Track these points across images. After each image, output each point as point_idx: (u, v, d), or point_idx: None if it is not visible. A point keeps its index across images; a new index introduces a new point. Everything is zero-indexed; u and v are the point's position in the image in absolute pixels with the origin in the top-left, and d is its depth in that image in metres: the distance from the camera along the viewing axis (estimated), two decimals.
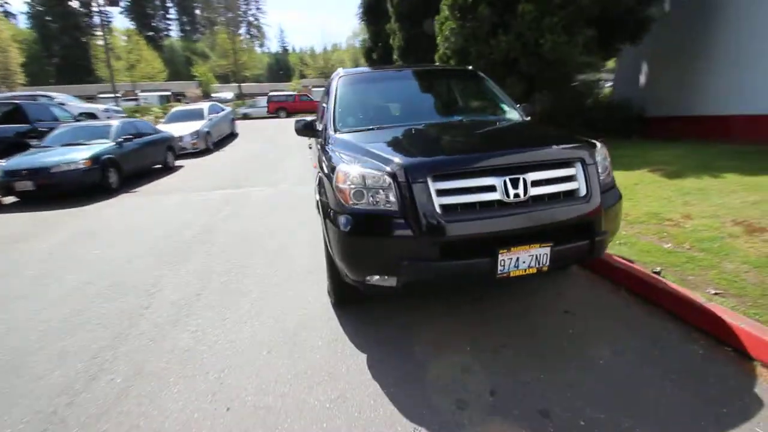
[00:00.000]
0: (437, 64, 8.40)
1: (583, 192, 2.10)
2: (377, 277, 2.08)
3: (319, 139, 3.22)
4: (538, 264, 2.00)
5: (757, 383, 1.82)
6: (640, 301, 2.55)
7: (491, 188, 1.99)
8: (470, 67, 3.92)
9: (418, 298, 2.75)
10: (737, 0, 6.49)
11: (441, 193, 1.97)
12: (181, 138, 11.21)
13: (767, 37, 5.99)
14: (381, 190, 2.04)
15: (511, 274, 1.99)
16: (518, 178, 2.00)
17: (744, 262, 2.71)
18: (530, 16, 6.54)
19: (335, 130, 2.93)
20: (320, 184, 2.64)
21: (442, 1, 7.72)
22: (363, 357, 2.18)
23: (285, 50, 77.50)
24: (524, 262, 1.98)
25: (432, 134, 2.77)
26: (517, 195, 1.99)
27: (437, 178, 1.98)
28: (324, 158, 2.69)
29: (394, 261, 2.00)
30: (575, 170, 2.12)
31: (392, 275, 2.04)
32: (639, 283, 2.61)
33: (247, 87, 45.71)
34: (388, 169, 2.04)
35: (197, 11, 66.57)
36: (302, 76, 48.48)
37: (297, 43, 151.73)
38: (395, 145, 2.46)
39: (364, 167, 2.12)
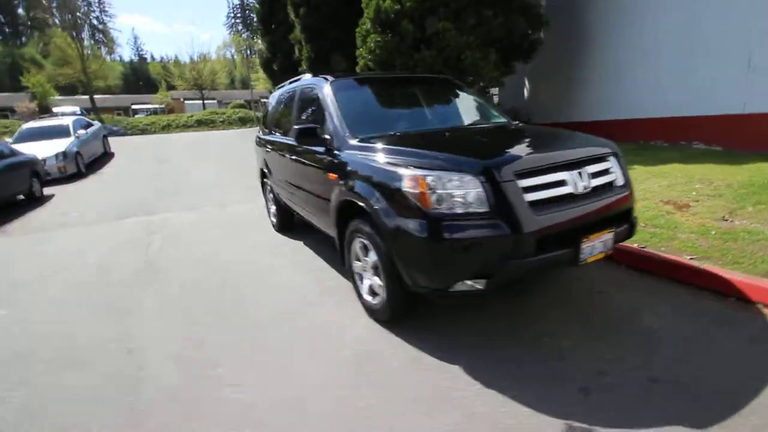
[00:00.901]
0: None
1: (621, 182, 2.40)
2: (469, 282, 2.03)
3: (318, 149, 2.98)
4: (605, 248, 2.21)
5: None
6: (644, 274, 2.99)
7: (563, 183, 2.14)
8: (447, 77, 4.10)
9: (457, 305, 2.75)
10: (603, 28, 8.07)
11: (526, 190, 2.04)
12: (44, 161, 9.04)
13: (627, 61, 7.60)
14: (464, 192, 2.00)
15: (588, 261, 2.15)
16: (582, 172, 2.19)
17: (691, 232, 3.40)
18: (450, 34, 7.12)
19: (353, 138, 2.76)
20: (346, 192, 2.54)
21: (365, 14, 7.86)
22: (456, 368, 2.09)
23: (142, 59, 68.96)
24: (597, 249, 2.17)
25: (474, 137, 2.83)
26: (585, 187, 2.17)
27: (521, 176, 2.04)
28: (353, 167, 2.54)
29: (489, 263, 1.98)
30: (612, 163, 2.41)
31: (483, 278, 2.01)
32: (638, 259, 3.07)
33: (101, 99, 39.25)
34: (471, 169, 2.02)
35: (20, 10, 54.84)
36: (170, 87, 43.62)
37: (156, 51, 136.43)
38: (444, 147, 2.43)
39: (437, 170, 2.05)
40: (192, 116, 32.17)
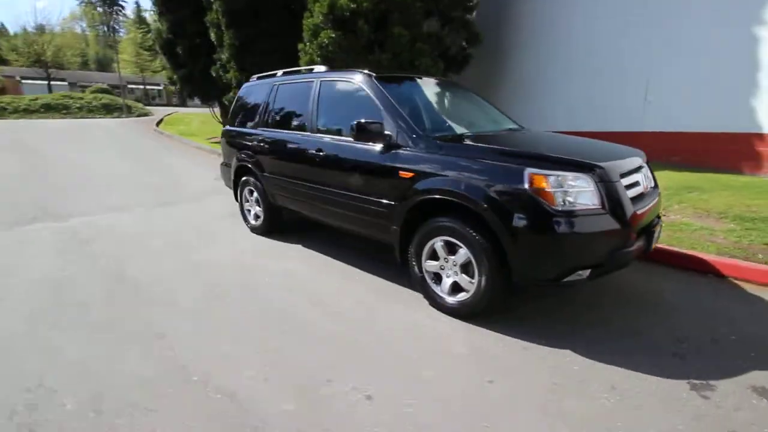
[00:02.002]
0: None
1: (653, 183, 2.90)
2: (581, 272, 2.24)
3: (372, 147, 2.87)
4: (658, 238, 2.66)
5: (744, 287, 3.05)
6: (651, 262, 3.57)
7: (638, 183, 2.51)
8: (453, 80, 4.27)
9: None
10: (522, 50, 9.19)
11: (626, 188, 2.34)
12: None
13: (546, 80, 8.81)
14: (582, 190, 2.20)
15: (652, 248, 2.56)
16: (644, 174, 2.60)
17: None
18: (404, 39, 7.34)
19: (427, 136, 2.74)
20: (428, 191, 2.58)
21: (315, 7, 7.54)
22: (568, 352, 2.27)
23: None
24: (656, 239, 2.60)
25: (549, 141, 3.06)
26: (647, 186, 2.58)
27: (622, 176, 2.34)
28: (444, 165, 2.56)
29: (603, 254, 2.22)
30: (646, 167, 2.90)
31: (596, 268, 2.25)
32: None
33: None
34: (588, 170, 2.23)
35: None
36: (2, 62, 34.83)
37: None
38: (537, 149, 2.62)
39: (557, 170, 2.22)
40: (36, 99, 26.04)
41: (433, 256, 2.72)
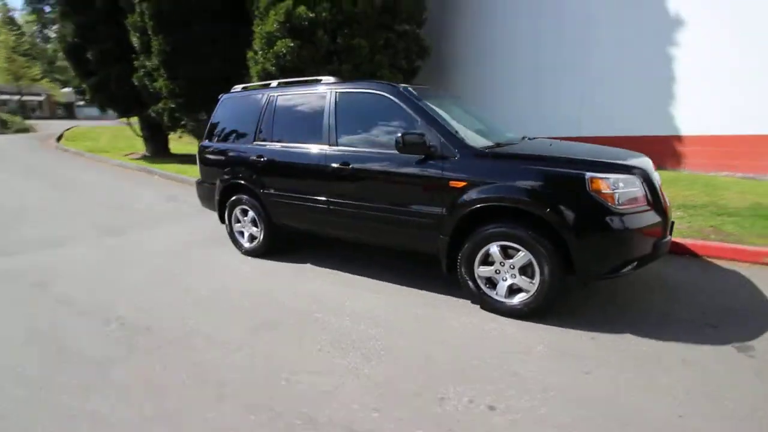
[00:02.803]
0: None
1: None
2: (634, 263, 2.49)
3: (411, 158, 2.88)
4: None
5: (719, 264, 3.61)
6: None
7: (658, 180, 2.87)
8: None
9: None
10: (471, 63, 9.72)
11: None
12: None
13: (494, 90, 9.41)
14: (633, 190, 2.47)
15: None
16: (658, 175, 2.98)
17: None
18: (364, 51, 7.38)
19: (473, 146, 2.85)
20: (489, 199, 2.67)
21: (271, 14, 7.19)
22: (635, 338, 2.50)
23: None
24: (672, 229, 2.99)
25: (574, 148, 3.26)
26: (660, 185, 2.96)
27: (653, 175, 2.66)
28: (500, 173, 2.67)
29: (649, 245, 2.50)
30: None
31: (646, 258, 2.52)
32: None
33: None
34: (635, 172, 2.50)
35: None
36: None
37: None
38: (575, 154, 2.85)
39: (612, 173, 2.45)
40: None
41: (485, 261, 2.80)
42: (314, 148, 3.48)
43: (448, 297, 3.11)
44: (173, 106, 9.75)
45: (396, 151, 3.02)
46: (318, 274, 3.67)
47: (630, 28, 6.68)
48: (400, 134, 2.81)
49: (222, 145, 4.27)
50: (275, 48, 7.21)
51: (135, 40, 9.81)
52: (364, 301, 3.11)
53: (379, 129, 3.20)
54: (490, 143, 3.01)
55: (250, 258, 4.14)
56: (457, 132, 2.90)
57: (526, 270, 2.66)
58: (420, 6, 8.09)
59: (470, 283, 2.86)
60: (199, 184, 4.58)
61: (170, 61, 9.22)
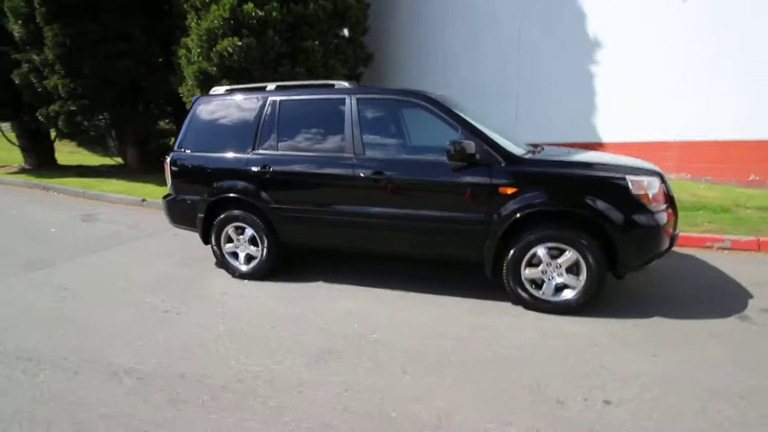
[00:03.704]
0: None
1: None
2: (660, 255, 2.85)
3: (452, 164, 2.89)
4: None
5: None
6: None
7: None
8: None
9: None
10: (412, 67, 9.88)
11: None
12: None
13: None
14: (659, 191, 2.81)
15: None
16: None
17: None
18: (319, 54, 7.10)
19: (516, 153, 2.97)
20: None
21: (213, 8, 6.42)
22: (648, 321, 2.84)
23: None
24: None
25: (586, 155, 3.48)
26: None
27: None
28: (549, 179, 2.86)
29: (670, 239, 2.87)
30: None
31: (667, 249, 2.89)
32: None
33: None
34: (658, 175, 2.86)
35: None
36: None
37: None
38: (603, 160, 3.12)
39: (644, 176, 2.77)
40: None
41: (529, 263, 2.93)
42: (335, 157, 3.26)
43: (484, 301, 3.17)
44: (74, 108, 8.16)
45: (434, 159, 3.00)
46: (340, 293, 3.43)
47: (557, 41, 7.61)
48: (450, 143, 2.79)
49: (204, 155, 3.72)
50: (219, 46, 6.53)
51: (17, 29, 7.97)
52: (408, 315, 3.01)
53: (413, 137, 3.14)
54: (523, 150, 3.17)
55: (248, 282, 3.68)
56: (497, 140, 2.99)
57: (571, 269, 2.86)
58: (365, 13, 8.09)
59: (515, 286, 2.96)
60: (171, 200, 3.92)
61: (70, 56, 7.72)
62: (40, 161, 10.52)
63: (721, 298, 3.17)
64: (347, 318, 2.98)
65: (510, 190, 2.84)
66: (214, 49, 6.58)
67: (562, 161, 2.97)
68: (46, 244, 4.95)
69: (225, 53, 6.54)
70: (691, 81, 6.68)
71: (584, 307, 2.88)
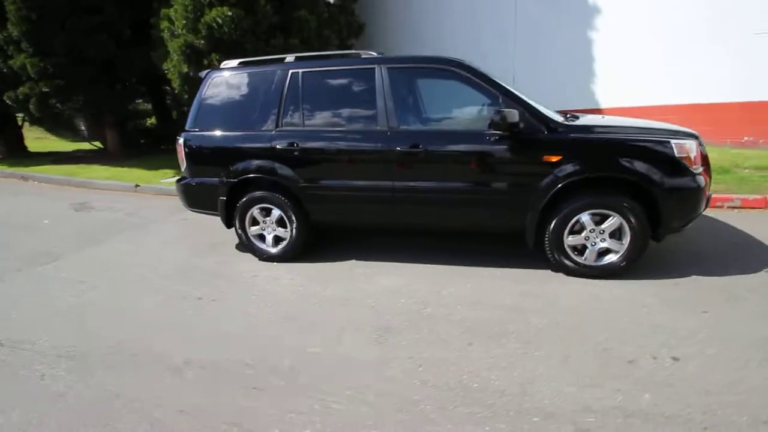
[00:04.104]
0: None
1: None
2: (697, 216, 2.91)
3: (493, 134, 2.83)
4: None
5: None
6: None
7: None
8: None
9: None
10: (398, 42, 9.64)
11: None
12: None
13: None
14: (697, 155, 2.84)
15: None
16: None
17: None
18: (313, 24, 6.75)
19: (557, 120, 2.93)
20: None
21: None
22: (685, 281, 2.94)
23: None
24: None
25: (621, 121, 3.47)
26: None
27: None
28: (593, 145, 2.86)
29: (706, 200, 2.93)
30: None
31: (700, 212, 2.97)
32: None
33: None
34: (695, 138, 2.87)
35: None
36: None
37: None
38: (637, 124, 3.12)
39: (684, 139, 2.79)
40: None
41: (572, 230, 2.94)
42: (368, 131, 3.14)
43: (522, 270, 3.19)
44: (46, 90, 7.56)
45: (473, 128, 2.93)
46: (376, 270, 3.37)
47: (553, 10, 7.50)
48: (495, 111, 2.72)
49: (222, 134, 3.52)
50: (207, 17, 6.10)
51: None
52: (453, 288, 2.99)
53: (447, 106, 3.04)
54: (560, 117, 3.12)
55: (277, 264, 3.58)
56: (537, 107, 2.93)
57: (614, 233, 2.90)
58: None
59: (558, 254, 2.98)
60: (187, 183, 3.71)
61: (38, 32, 7.07)
62: (10, 149, 9.83)
63: (745, 254, 3.31)
64: (393, 295, 2.94)
65: (554, 158, 2.81)
66: (201, 20, 6.15)
67: (604, 127, 2.95)
68: (43, 236, 4.66)
69: (214, 24, 6.14)
70: (686, 45, 6.76)
71: (627, 269, 2.94)
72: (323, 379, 2.09)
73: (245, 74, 3.51)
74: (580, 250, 2.98)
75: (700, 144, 2.95)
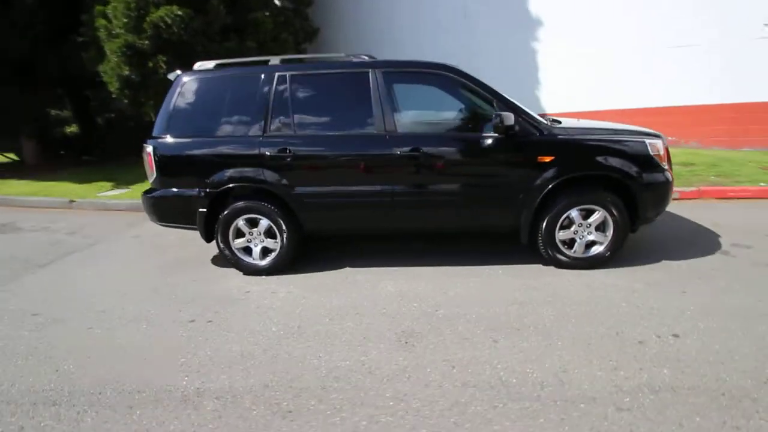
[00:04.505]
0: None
1: None
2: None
3: (491, 136, 2.95)
4: None
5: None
6: None
7: None
8: None
9: None
10: (352, 47, 9.60)
11: None
12: None
13: None
14: (663, 152, 3.17)
15: None
16: None
17: None
18: (269, 26, 6.49)
19: (545, 124, 3.11)
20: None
21: None
22: (660, 265, 3.27)
23: None
24: None
25: (597, 124, 3.69)
26: None
27: None
28: (580, 146, 3.09)
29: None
30: None
31: None
32: None
33: None
34: (662, 137, 3.20)
35: None
36: None
37: None
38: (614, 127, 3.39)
39: (654, 138, 3.10)
40: None
41: (573, 222, 3.12)
42: (365, 135, 3.08)
43: (515, 266, 3.33)
44: None
45: (470, 132, 3.01)
46: (376, 276, 3.30)
47: (500, 21, 8.00)
48: (495, 114, 2.82)
49: (199, 140, 3.25)
50: (153, 16, 5.61)
51: None
52: (458, 288, 3.03)
53: (445, 110, 3.10)
54: (546, 121, 3.31)
55: (266, 278, 3.36)
56: (528, 111, 3.09)
57: (599, 227, 3.14)
58: None
59: (551, 248, 3.15)
60: (157, 195, 3.35)
61: None
62: None
63: (699, 239, 3.77)
64: (402, 299, 2.91)
65: (547, 159, 2.98)
66: (146, 19, 5.64)
67: (587, 129, 3.19)
68: None
69: (161, 24, 5.66)
70: (611, 60, 7.59)
71: (612, 258, 3.20)
72: (359, 393, 2.00)
73: (224, 77, 3.28)
74: (569, 243, 3.19)
75: (665, 143, 3.32)
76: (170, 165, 3.29)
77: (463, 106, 3.14)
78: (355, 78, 3.13)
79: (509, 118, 2.85)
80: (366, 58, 3.23)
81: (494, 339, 2.38)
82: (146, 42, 5.86)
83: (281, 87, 3.16)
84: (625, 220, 3.08)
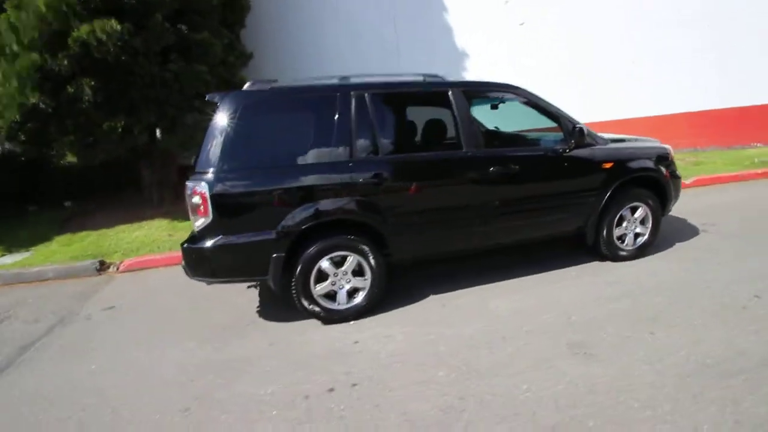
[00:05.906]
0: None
1: None
2: None
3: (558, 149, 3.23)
4: None
5: None
6: None
7: None
8: None
9: None
10: (286, 70, 8.99)
11: None
12: None
13: None
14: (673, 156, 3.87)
15: None
16: None
17: None
18: (217, 48, 5.71)
19: (597, 135, 3.48)
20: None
21: None
22: (645, 262, 3.94)
23: None
24: None
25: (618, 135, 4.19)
26: None
27: None
28: (626, 154, 3.55)
29: None
30: None
31: None
32: None
33: None
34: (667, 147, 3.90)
35: None
36: None
37: None
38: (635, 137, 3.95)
39: (668, 145, 3.76)
40: None
41: (625, 219, 3.54)
42: (455, 156, 3.00)
43: (573, 268, 3.56)
44: None
45: (548, 144, 3.25)
46: (478, 296, 3.18)
47: (421, 44, 8.66)
48: (573, 126, 3.09)
49: (273, 172, 2.68)
50: (83, 31, 4.45)
51: None
52: (557, 295, 3.10)
53: (516, 126, 3.24)
54: None
55: (353, 323, 2.90)
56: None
57: (642, 221, 3.63)
58: (247, 6, 7.00)
59: (609, 246, 3.52)
60: (217, 245, 2.61)
61: None
62: None
63: (680, 224, 4.65)
64: (526, 315, 2.85)
65: (608, 165, 3.37)
66: (73, 34, 4.44)
67: (625, 140, 3.72)
68: None
69: (93, 41, 4.52)
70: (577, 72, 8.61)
71: (652, 246, 3.73)
72: (614, 410, 1.91)
73: (291, 98, 2.82)
74: (621, 238, 3.62)
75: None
76: (234, 205, 2.64)
77: (532, 121, 3.35)
78: (435, 97, 3.05)
79: (584, 129, 3.16)
80: (441, 77, 3.18)
81: (651, 331, 2.54)
82: (65, 62, 4.60)
83: (361, 107, 2.86)
84: (659, 212, 3.66)
